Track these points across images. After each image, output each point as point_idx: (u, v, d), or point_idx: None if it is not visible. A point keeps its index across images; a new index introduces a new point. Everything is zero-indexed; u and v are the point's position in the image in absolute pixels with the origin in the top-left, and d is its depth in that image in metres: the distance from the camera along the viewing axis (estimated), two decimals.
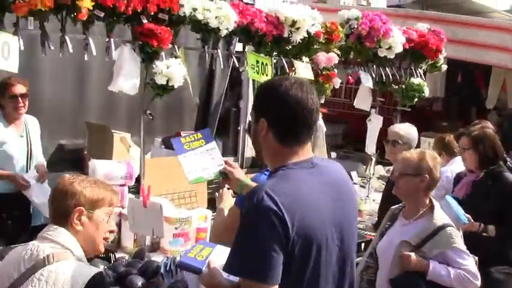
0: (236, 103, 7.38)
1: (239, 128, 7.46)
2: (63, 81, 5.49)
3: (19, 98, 3.80)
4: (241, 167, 7.89)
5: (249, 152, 8.10)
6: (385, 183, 5.16)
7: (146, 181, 3.64)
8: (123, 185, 3.36)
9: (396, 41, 5.31)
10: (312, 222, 1.74)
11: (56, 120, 5.46)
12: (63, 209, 1.99)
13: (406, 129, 4.13)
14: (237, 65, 4.30)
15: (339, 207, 1.86)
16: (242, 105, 7.39)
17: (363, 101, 5.88)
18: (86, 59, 3.26)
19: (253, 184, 2.32)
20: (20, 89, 3.82)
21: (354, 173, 5.76)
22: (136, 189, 3.70)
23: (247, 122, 7.94)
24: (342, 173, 2.00)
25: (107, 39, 3.36)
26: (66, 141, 5.68)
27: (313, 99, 1.83)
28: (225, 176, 2.48)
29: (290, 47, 4.49)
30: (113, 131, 5.40)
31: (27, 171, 3.90)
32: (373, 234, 4.06)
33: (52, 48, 3.03)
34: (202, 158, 2.55)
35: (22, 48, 2.91)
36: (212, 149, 2.59)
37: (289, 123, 1.82)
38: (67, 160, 5.42)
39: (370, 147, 5.82)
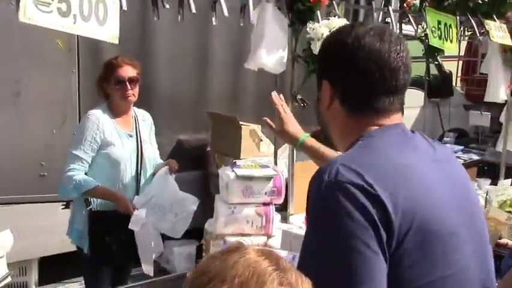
0: None
1: None
2: (180, 62, 4.59)
3: (127, 84, 2.90)
4: None
5: None
6: None
7: (296, 195, 2.61)
8: (268, 204, 2.33)
9: None
10: (427, 204, 1.14)
11: (173, 112, 4.60)
12: None
13: None
14: (415, 28, 3.10)
15: (461, 195, 1.26)
16: None
17: None
18: (214, 23, 2.26)
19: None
20: (128, 71, 2.92)
21: None
22: (283, 206, 2.66)
23: None
24: (455, 160, 1.39)
25: None
26: (187, 136, 4.82)
27: (400, 52, 1.24)
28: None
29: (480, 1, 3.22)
30: (240, 122, 4.45)
31: (137, 181, 3.01)
32: None
33: (167, 6, 2.05)
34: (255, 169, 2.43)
35: (125, 7, 1.95)
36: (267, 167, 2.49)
37: (360, 84, 1.25)
38: (188, 158, 4.55)
39: None
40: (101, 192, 2.85)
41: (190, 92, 4.74)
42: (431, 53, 3.95)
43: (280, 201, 2.36)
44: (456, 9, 3.29)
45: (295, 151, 2.78)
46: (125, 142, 2.95)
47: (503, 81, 3.68)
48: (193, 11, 2.11)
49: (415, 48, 5.35)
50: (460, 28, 3.28)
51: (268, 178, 2.30)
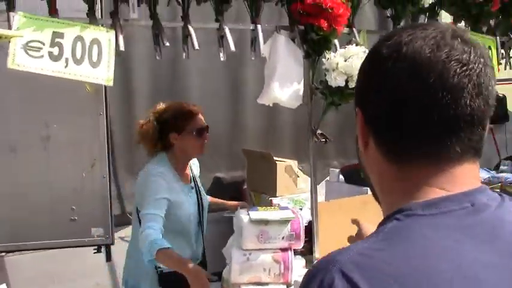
0: None
1: None
2: (213, 99, 4.51)
3: (205, 134, 2.66)
4: None
5: None
6: None
7: (321, 237, 2.42)
8: (285, 250, 2.15)
9: None
10: None
11: (208, 150, 4.50)
12: None
13: None
14: None
15: None
16: None
17: None
18: (222, 58, 2.15)
19: None
20: (203, 119, 2.67)
21: None
22: (308, 250, 2.47)
23: None
24: None
25: (251, 27, 2.22)
26: (223, 174, 4.71)
27: (468, 63, 0.78)
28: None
29: None
30: (275, 158, 4.30)
31: (200, 233, 2.77)
32: None
33: (167, 44, 1.96)
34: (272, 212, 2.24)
35: (122, 48, 1.88)
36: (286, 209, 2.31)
37: (396, 114, 0.80)
38: (225, 197, 4.44)
39: None
40: (171, 257, 2.28)
41: (224, 129, 4.65)
42: None
43: (300, 245, 2.18)
44: (495, 29, 3.04)
45: (318, 190, 2.61)
46: (189, 197, 2.71)
47: None
48: (196, 47, 2.01)
49: None
50: (500, 49, 3.02)
51: (285, 222, 2.13)
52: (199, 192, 2.83)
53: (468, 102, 0.78)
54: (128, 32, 2.70)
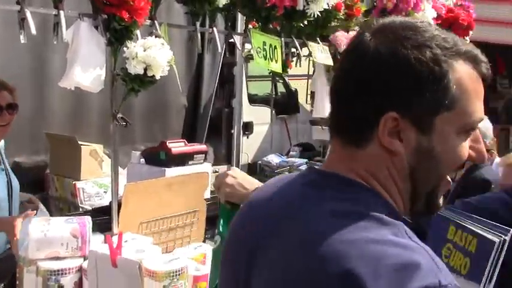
0: (228, 102, 6.32)
1: (232, 131, 6.39)
2: (14, 80, 4.31)
3: (5, 112, 2.64)
4: None
5: (245, 158, 7.09)
6: None
7: (123, 215, 2.59)
8: (83, 225, 2.27)
9: (427, 16, 4.32)
10: None
11: (8, 133, 4.31)
12: None
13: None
14: (239, 49, 3.24)
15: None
16: (235, 104, 6.31)
17: None
18: (22, 40, 2.18)
19: None
20: (6, 98, 2.64)
21: None
22: (108, 225, 2.62)
23: (242, 123, 6.91)
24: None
25: (54, 12, 2.28)
26: (24, 159, 4.55)
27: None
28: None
29: (306, 23, 3.46)
30: (80, 142, 4.31)
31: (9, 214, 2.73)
32: None
33: None
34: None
35: None
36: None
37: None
38: (26, 182, 4.30)
39: None
40: None
41: (26, 112, 4.48)
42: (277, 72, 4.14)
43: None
44: (281, 31, 3.49)
45: (124, 172, 2.76)
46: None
47: (327, 97, 3.97)
48: None
49: (264, 68, 5.62)
50: (284, 49, 3.48)
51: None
52: (9, 175, 2.76)
53: None
54: None
